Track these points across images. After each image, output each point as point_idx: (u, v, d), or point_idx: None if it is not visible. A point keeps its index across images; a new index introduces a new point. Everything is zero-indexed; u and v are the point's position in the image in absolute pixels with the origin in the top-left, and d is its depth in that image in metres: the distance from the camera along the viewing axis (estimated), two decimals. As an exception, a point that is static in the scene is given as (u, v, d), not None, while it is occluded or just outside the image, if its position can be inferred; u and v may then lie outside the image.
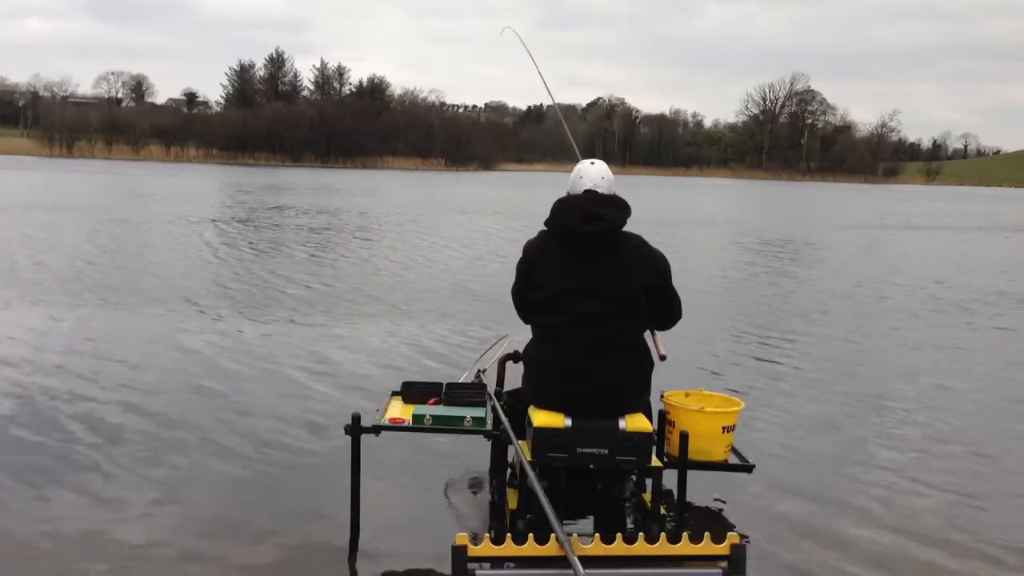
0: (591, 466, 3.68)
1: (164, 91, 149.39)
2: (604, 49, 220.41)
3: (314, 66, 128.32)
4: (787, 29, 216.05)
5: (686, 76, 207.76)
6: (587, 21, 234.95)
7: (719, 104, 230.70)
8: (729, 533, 3.28)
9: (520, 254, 3.99)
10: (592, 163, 3.98)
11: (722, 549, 3.20)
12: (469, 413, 4.09)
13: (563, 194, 3.96)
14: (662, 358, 4.02)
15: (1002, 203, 57.22)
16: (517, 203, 34.22)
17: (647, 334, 3.97)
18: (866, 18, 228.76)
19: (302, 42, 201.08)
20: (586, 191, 3.87)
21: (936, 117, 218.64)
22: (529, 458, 3.66)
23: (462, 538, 3.12)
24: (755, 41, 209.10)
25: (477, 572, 3.12)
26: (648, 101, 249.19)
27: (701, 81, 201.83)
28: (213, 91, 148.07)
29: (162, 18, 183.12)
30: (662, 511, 3.95)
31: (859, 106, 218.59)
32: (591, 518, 4.16)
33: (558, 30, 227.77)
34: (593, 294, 3.74)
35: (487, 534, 3.50)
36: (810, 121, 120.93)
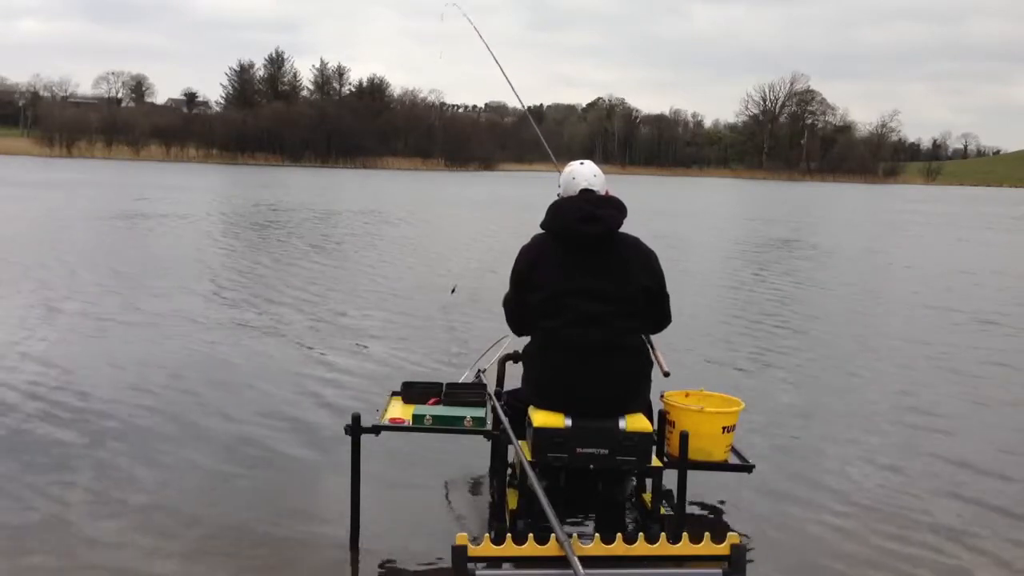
0: (591, 466, 3.68)
1: (164, 91, 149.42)
2: (595, 50, 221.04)
3: (314, 66, 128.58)
4: (775, 30, 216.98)
5: (677, 77, 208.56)
6: (577, 22, 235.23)
7: (711, 104, 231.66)
8: (729, 533, 3.28)
9: (513, 263, 3.97)
10: (581, 163, 4.03)
11: (722, 549, 3.20)
12: (469, 413, 4.09)
13: (556, 194, 3.99)
14: (666, 374, 4.00)
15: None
16: (524, 203, 34.22)
17: (648, 345, 3.98)
18: (854, 19, 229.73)
19: (296, 43, 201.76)
20: (582, 190, 3.89)
21: (928, 117, 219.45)
22: (529, 458, 3.67)
23: (462, 538, 3.12)
24: (743, 42, 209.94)
25: (477, 572, 3.12)
26: (640, 101, 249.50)
27: (691, 82, 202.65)
28: (212, 91, 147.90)
29: (156, 19, 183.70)
30: (662, 511, 3.95)
31: (851, 106, 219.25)
32: (591, 518, 4.16)
33: (550, 31, 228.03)
34: (593, 295, 3.75)
35: (487, 534, 3.50)
36: (810, 121, 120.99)
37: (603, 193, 3.92)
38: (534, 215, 4.19)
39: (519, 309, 3.98)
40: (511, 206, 32.98)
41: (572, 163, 4.05)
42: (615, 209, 3.84)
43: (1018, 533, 4.45)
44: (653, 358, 3.97)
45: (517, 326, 4.07)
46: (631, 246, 3.88)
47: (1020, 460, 5.60)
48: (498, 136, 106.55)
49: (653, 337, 4.11)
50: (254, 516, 4.33)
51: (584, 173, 3.96)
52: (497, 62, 4.87)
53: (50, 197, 27.95)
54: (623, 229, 3.90)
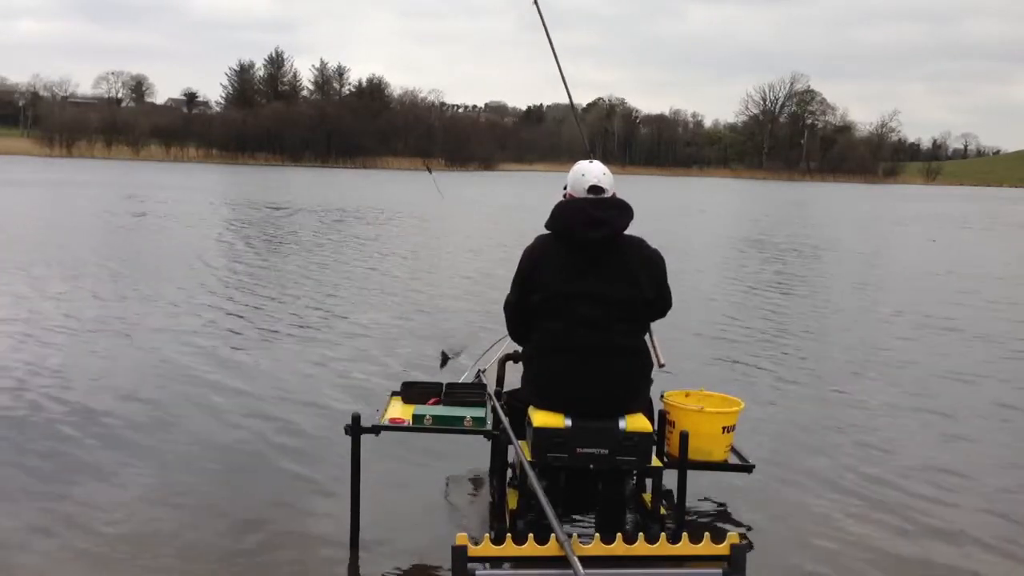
0: (591, 466, 3.68)
1: (164, 91, 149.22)
2: (594, 50, 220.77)
3: (314, 66, 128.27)
4: (774, 30, 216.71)
5: (676, 77, 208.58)
6: (576, 22, 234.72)
7: (711, 104, 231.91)
8: (729, 533, 3.28)
9: (516, 267, 3.97)
10: (591, 161, 4.02)
11: (722, 549, 3.20)
12: (469, 413, 4.09)
13: (562, 193, 3.98)
14: (660, 366, 4.02)
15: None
16: (527, 202, 34.24)
17: (647, 340, 3.98)
18: (853, 19, 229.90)
19: (293, 43, 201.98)
20: (591, 186, 3.88)
21: (928, 117, 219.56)
22: (529, 458, 3.67)
23: (462, 538, 3.12)
24: (741, 42, 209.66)
25: (477, 572, 3.11)
26: (640, 101, 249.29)
27: (691, 82, 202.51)
28: (211, 92, 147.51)
29: (155, 19, 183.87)
30: (662, 511, 3.95)
31: (851, 106, 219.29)
32: (591, 518, 4.16)
33: (548, 31, 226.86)
34: (595, 297, 3.74)
35: (487, 534, 3.50)
36: (810, 121, 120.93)
37: (611, 193, 3.91)
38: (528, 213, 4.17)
39: (520, 313, 3.97)
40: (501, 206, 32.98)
41: (581, 161, 4.04)
42: (619, 211, 3.82)
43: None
44: (650, 347, 3.97)
45: (516, 332, 4.07)
46: (634, 248, 3.87)
47: None
48: (498, 136, 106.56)
49: (654, 326, 4.11)
50: (254, 517, 4.34)
51: (594, 171, 3.94)
52: (554, 52, 4.94)
53: (35, 197, 27.93)
54: (628, 230, 3.89)
